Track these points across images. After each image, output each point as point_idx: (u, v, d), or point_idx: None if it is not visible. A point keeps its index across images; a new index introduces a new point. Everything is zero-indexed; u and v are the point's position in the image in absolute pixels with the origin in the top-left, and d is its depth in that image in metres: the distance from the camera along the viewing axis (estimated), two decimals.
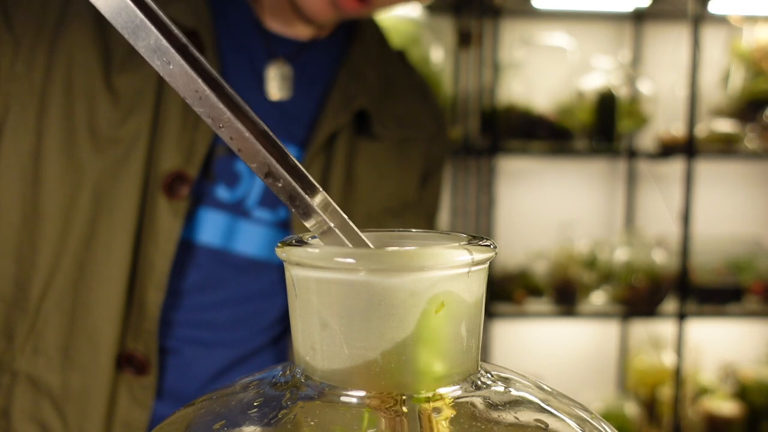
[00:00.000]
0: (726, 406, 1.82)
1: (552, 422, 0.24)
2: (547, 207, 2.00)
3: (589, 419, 0.25)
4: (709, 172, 1.93)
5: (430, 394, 0.22)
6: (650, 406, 1.90)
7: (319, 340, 0.23)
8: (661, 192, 1.96)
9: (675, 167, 1.85)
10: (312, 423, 0.22)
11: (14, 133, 0.58)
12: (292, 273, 0.23)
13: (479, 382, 0.24)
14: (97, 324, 0.59)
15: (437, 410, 0.22)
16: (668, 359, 1.88)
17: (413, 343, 0.22)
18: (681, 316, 1.76)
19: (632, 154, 1.80)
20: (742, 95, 1.82)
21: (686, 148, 1.73)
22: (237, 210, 0.64)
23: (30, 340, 0.58)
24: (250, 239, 0.65)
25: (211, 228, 0.63)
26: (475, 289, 0.23)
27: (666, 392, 1.83)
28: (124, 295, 0.59)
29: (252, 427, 0.23)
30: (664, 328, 1.89)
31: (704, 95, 1.81)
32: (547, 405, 0.25)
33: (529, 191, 2.00)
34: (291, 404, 0.23)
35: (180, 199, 0.59)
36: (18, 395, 0.58)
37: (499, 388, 0.24)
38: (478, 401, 0.23)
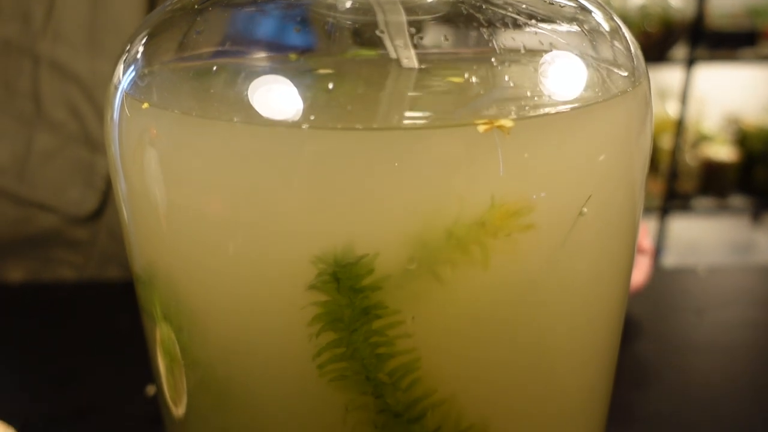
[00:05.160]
0: (723, 152, 1.87)
1: None
2: None
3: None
4: None
5: None
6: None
7: None
8: None
9: None
10: None
11: None
12: None
13: None
14: (121, 15, 0.58)
15: None
16: (672, 109, 1.90)
17: None
18: (690, 62, 1.74)
19: None
20: None
21: None
22: None
23: (50, 25, 0.58)
24: None
25: None
26: None
27: (666, 140, 1.87)
28: None
29: None
30: (672, 77, 1.88)
31: None
32: None
33: None
34: None
35: None
36: (44, 79, 0.60)
37: None
38: None
